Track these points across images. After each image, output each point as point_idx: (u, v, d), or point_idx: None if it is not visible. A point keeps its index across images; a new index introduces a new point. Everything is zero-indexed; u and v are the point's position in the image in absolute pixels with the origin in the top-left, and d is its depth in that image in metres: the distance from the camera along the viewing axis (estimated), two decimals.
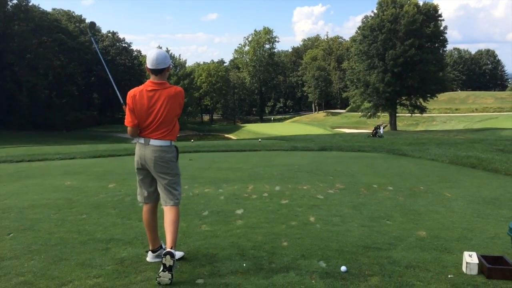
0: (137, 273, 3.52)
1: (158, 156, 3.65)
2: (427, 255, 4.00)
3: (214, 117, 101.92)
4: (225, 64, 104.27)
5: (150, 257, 3.86)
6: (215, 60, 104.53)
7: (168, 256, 3.30)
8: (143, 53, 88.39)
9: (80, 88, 74.61)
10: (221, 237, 4.52)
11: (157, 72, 3.66)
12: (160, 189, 3.78)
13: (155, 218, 3.94)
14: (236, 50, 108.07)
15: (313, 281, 3.39)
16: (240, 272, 3.56)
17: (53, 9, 75.72)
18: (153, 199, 3.91)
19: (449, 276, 3.51)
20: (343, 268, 3.62)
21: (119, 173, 9.10)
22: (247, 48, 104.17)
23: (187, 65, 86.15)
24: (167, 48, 79.98)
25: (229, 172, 8.97)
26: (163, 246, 3.84)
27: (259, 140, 25.40)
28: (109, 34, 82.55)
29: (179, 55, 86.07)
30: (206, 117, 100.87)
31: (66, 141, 42.99)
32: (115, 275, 3.48)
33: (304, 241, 4.38)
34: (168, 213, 3.68)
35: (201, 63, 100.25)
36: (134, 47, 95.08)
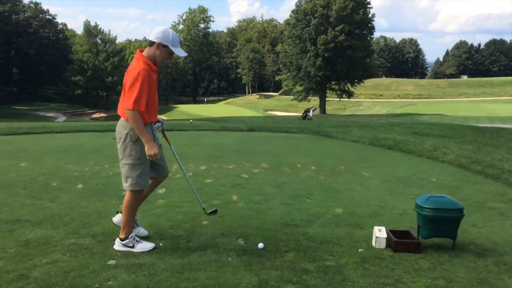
0: (43, 256, 3.32)
1: (116, 130, 3.53)
2: (341, 230, 4.16)
3: None
4: None
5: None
6: (148, 37, 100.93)
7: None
8: (69, 26, 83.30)
9: None
10: (139, 217, 4.38)
11: (148, 43, 3.48)
12: None
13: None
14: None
15: (229, 259, 3.40)
16: (156, 252, 3.50)
17: None
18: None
19: (359, 250, 3.67)
20: (260, 245, 3.66)
21: (33, 151, 8.52)
22: (181, 26, 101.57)
23: (117, 41, 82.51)
24: (95, 23, 76.00)
25: None
26: (137, 223, 3.82)
27: (191, 121, 25.02)
28: (31, 5, 76.49)
29: (109, 30, 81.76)
30: None
31: None
32: (18, 258, 3.27)
33: (225, 219, 4.37)
34: None
35: (133, 40, 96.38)
36: (59, 19, 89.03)
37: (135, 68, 3.29)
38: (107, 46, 76.34)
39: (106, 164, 7.21)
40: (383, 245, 3.76)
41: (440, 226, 3.73)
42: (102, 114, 65.70)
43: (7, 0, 69.65)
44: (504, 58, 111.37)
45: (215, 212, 4.06)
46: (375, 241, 3.79)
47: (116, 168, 6.82)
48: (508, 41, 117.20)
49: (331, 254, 3.57)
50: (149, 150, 3.37)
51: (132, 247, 3.51)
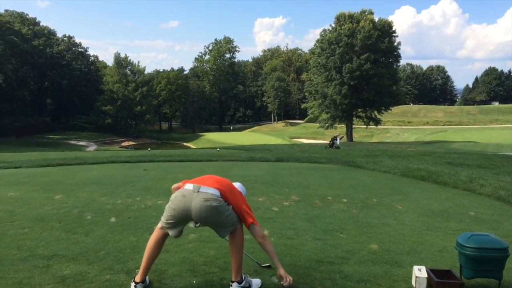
0: None
1: (206, 204, 3.52)
2: (378, 269, 4.01)
3: (173, 125, 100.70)
4: (185, 72, 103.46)
5: None
6: (175, 68, 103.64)
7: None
8: (100, 58, 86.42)
9: (32, 92, 71.61)
10: (172, 252, 4.37)
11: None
12: None
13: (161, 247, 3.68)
14: (196, 59, 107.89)
15: None
16: None
17: (6, 11, 72.69)
18: None
19: None
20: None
21: (68, 183, 8.70)
22: (207, 57, 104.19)
23: (146, 72, 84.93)
24: (125, 54, 78.53)
25: None
26: (147, 280, 3.57)
27: (218, 149, 25.26)
28: (65, 38, 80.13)
29: (138, 61, 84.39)
30: (164, 125, 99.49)
31: (16, 148, 41.04)
32: None
33: (257, 255, 4.29)
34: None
35: (161, 70, 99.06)
36: (91, 52, 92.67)
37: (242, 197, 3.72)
38: (136, 77, 78.61)
39: (137, 196, 7.28)
40: (423, 285, 3.60)
41: (484, 266, 3.56)
42: (131, 142, 67.13)
43: (41, 34, 73.08)
44: None
45: (269, 266, 4.03)
46: (415, 281, 3.63)
47: (148, 201, 6.89)
48: None
49: None
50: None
51: (249, 286, 3.52)
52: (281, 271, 3.52)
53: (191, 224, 3.75)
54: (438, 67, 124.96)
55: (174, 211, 3.40)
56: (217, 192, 3.42)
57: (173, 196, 3.48)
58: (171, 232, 3.53)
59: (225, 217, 3.43)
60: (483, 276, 3.62)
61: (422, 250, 4.63)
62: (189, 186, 3.46)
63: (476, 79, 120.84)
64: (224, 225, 3.49)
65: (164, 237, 3.59)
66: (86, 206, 6.42)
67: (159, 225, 3.59)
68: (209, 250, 4.43)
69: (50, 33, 77.69)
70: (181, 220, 3.46)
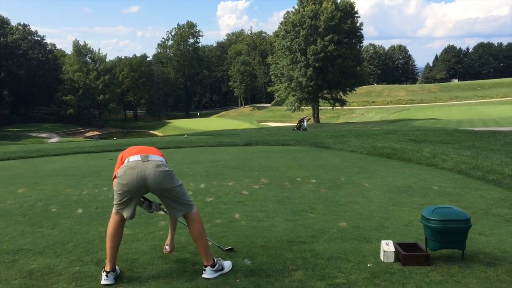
0: (48, 286, 3.25)
1: (157, 170, 3.45)
2: (348, 245, 4.11)
3: (139, 113, 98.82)
4: (148, 59, 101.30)
5: (107, 279, 3.34)
6: (138, 54, 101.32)
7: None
8: (58, 46, 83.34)
9: None
10: (142, 240, 4.33)
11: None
12: None
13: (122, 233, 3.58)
14: (159, 44, 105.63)
15: (237, 280, 3.34)
16: (162, 276, 3.43)
17: None
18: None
19: (368, 265, 3.62)
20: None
21: (30, 176, 8.42)
22: (170, 42, 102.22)
23: (107, 59, 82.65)
24: (84, 42, 76.15)
25: None
26: (117, 269, 3.49)
27: (185, 136, 25.05)
28: (19, 27, 76.62)
29: (99, 49, 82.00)
30: (129, 114, 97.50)
31: None
32: None
33: (229, 239, 4.32)
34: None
35: (123, 57, 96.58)
36: (48, 40, 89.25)
37: None
38: (97, 65, 76.48)
39: (104, 186, 7.14)
40: (391, 259, 3.72)
41: (448, 237, 3.69)
42: (96, 132, 65.66)
43: None
44: (493, 61, 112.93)
45: (231, 249, 4.03)
46: (384, 255, 3.74)
47: None
48: (496, 44, 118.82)
49: (340, 270, 3.51)
50: None
51: (222, 269, 3.49)
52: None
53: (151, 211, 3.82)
54: (400, 46, 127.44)
55: (126, 186, 3.30)
56: (163, 159, 3.45)
57: (120, 172, 3.34)
58: (125, 214, 3.44)
59: (177, 187, 3.41)
60: (448, 247, 3.76)
61: (389, 225, 4.77)
62: (135, 157, 3.37)
63: (436, 57, 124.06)
64: (177, 198, 3.43)
65: (122, 221, 3.50)
66: (51, 199, 6.25)
67: (114, 210, 3.50)
68: (180, 236, 4.40)
69: (4, 22, 74.19)
70: (134, 193, 3.36)
